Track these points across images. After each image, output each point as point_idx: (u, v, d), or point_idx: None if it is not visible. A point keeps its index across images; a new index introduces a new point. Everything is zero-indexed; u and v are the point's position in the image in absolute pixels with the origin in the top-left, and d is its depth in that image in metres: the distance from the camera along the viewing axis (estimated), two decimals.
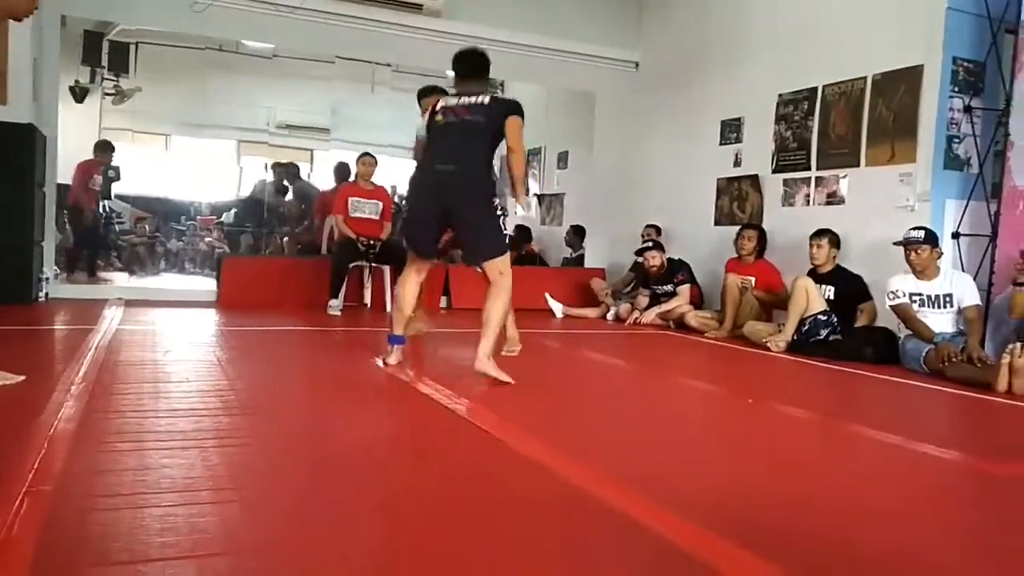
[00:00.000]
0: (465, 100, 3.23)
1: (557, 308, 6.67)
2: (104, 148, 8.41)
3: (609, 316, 6.60)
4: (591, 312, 6.74)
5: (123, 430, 2.19)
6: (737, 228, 5.97)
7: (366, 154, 6.54)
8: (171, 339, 4.26)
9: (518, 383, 3.06)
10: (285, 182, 10.01)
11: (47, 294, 5.64)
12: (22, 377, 2.71)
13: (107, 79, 10.76)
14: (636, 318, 6.24)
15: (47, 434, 2.09)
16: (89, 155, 8.83)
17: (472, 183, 3.14)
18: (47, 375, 2.98)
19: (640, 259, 6.44)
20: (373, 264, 6.28)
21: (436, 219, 3.21)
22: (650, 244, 6.41)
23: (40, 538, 1.40)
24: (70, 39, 8.82)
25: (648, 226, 7.02)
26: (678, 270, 6.24)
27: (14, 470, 1.75)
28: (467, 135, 3.18)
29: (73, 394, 2.60)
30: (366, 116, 11.89)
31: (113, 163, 10.78)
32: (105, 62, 10.53)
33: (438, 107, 3.28)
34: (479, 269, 3.22)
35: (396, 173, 12.25)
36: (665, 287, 6.25)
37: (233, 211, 11.01)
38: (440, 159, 3.17)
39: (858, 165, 5.33)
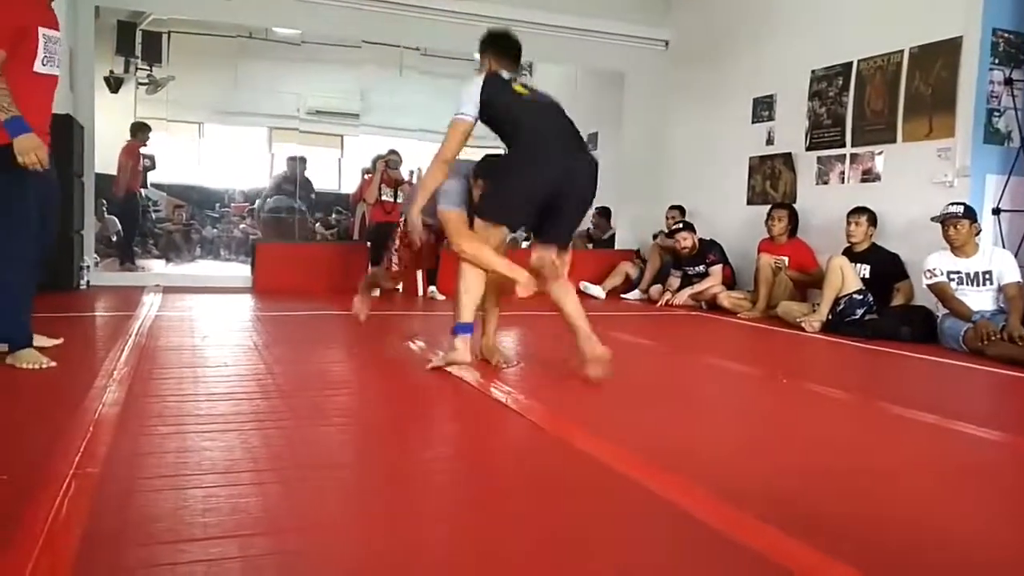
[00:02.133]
0: (523, 81, 3.12)
1: (597, 291, 6.67)
2: (141, 128, 8.56)
3: (632, 296, 6.57)
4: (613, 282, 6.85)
5: (164, 414, 2.24)
6: (769, 208, 5.90)
7: (392, 153, 6.65)
8: (208, 325, 4.34)
9: (552, 369, 3.07)
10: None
11: (88, 282, 5.76)
12: (59, 340, 2.80)
13: (141, 69, 10.91)
14: (668, 299, 6.21)
15: (92, 418, 2.15)
16: (147, 143, 9.03)
17: (595, 172, 3.02)
18: (91, 360, 3.05)
19: (670, 241, 6.41)
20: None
21: (545, 200, 2.94)
22: (681, 225, 6.37)
23: (88, 519, 1.44)
24: (104, 30, 8.95)
25: (672, 207, 6.97)
26: (709, 250, 6.20)
27: (62, 453, 1.81)
28: (561, 115, 3.05)
29: (116, 379, 2.66)
30: (395, 100, 11.90)
31: (148, 152, 10.96)
32: (139, 52, 10.68)
33: (505, 77, 3.07)
34: (550, 253, 3.04)
35: (426, 157, 12.32)
36: (697, 268, 6.21)
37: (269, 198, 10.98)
38: (561, 144, 2.97)
39: (895, 141, 5.23)
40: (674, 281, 6.34)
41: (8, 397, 2.45)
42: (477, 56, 3.28)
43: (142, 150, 8.68)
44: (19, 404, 2.37)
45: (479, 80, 2.99)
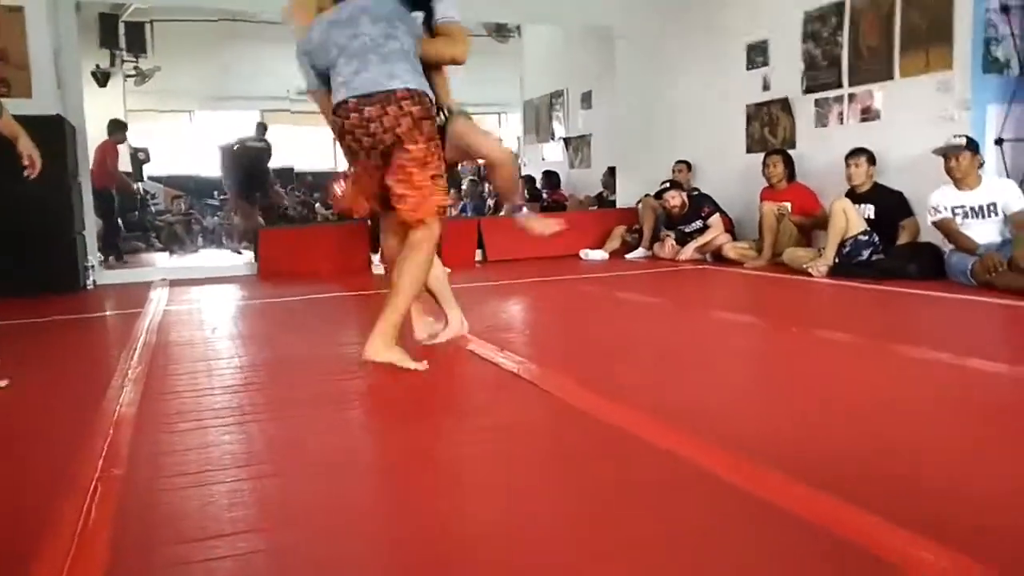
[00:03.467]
0: None
1: (598, 255, 6.65)
2: (118, 127, 8.49)
3: (635, 255, 6.55)
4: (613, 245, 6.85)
5: (182, 410, 2.26)
6: (764, 155, 5.86)
7: None
8: (217, 316, 4.35)
9: (564, 331, 3.07)
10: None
11: (94, 281, 5.78)
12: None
13: (127, 61, 10.84)
14: (676, 251, 6.17)
15: (111, 419, 2.17)
16: (125, 139, 8.98)
17: None
18: (105, 361, 3.08)
19: (658, 201, 6.38)
20: None
21: None
22: (667, 185, 6.32)
23: (116, 521, 1.46)
24: (86, 24, 8.88)
25: (678, 162, 6.93)
26: (702, 203, 6.15)
27: (85, 457, 1.83)
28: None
29: (131, 378, 2.68)
30: None
31: (141, 144, 10.90)
32: (123, 44, 10.59)
33: None
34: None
35: None
36: (693, 224, 6.16)
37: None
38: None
39: (892, 77, 5.16)
40: (667, 241, 6.31)
41: (28, 403, 2.47)
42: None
43: (120, 147, 8.62)
44: (39, 410, 2.39)
45: None
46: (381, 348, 2.51)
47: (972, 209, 4.30)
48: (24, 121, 4.91)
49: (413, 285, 2.60)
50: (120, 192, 8.62)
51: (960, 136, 4.35)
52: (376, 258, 6.13)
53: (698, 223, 6.14)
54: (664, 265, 6.02)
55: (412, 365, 2.53)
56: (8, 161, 5.02)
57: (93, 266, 5.83)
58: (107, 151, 8.13)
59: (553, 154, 10.11)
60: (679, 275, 5.51)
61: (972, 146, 4.32)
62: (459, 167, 11.51)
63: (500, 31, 10.99)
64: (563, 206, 8.65)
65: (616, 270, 5.83)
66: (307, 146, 12.92)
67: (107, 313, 4.69)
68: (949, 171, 4.34)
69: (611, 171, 8.32)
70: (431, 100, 2.62)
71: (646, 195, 6.81)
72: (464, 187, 10.53)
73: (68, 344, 3.69)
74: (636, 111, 7.68)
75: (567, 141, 9.74)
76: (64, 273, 5.31)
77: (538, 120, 10.48)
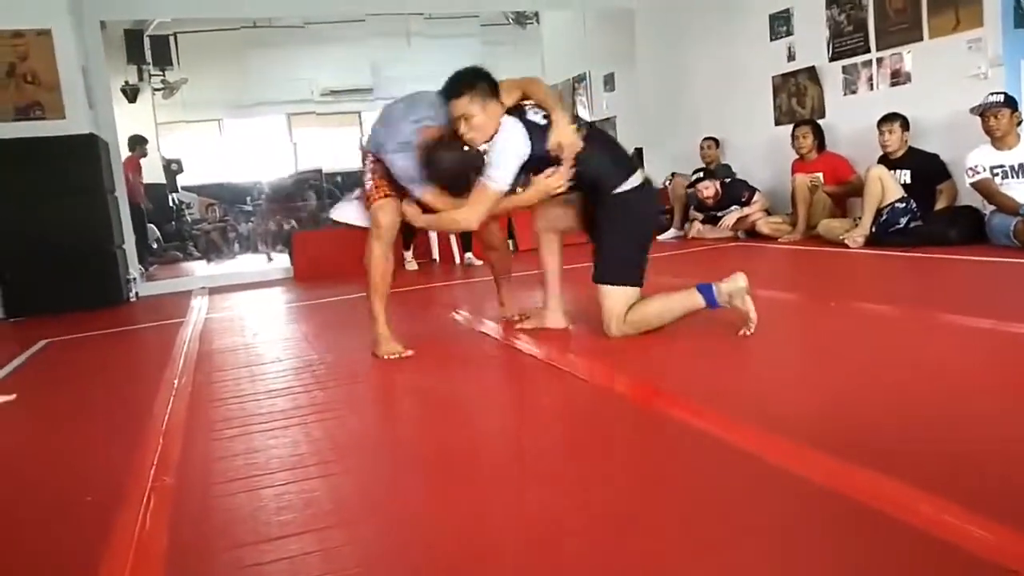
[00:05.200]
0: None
1: None
2: (139, 142, 8.67)
3: (668, 235, 6.48)
4: None
5: (228, 416, 2.30)
6: (792, 127, 5.77)
7: None
8: (257, 321, 4.43)
9: (591, 318, 3.05)
10: None
11: (137, 293, 5.91)
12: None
13: (154, 75, 11.01)
14: (706, 229, 6.14)
15: (161, 429, 2.23)
16: (147, 153, 9.11)
17: None
18: (151, 372, 3.15)
19: (690, 190, 6.32)
20: None
21: None
22: (701, 175, 6.25)
23: (171, 530, 1.51)
24: (112, 41, 9.03)
25: (706, 139, 6.84)
26: (740, 190, 6.05)
27: (137, 467, 1.88)
28: None
29: (177, 388, 2.75)
30: (407, 69, 11.82)
31: (173, 156, 11.08)
32: (149, 58, 10.77)
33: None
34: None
35: None
36: (729, 210, 6.07)
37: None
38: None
39: (921, 39, 5.03)
40: (695, 224, 6.27)
41: (79, 416, 2.54)
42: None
43: (142, 160, 8.78)
44: (90, 423, 2.46)
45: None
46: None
47: (1011, 169, 4.19)
48: (59, 141, 5.06)
49: None
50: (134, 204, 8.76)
51: (998, 93, 4.24)
52: (408, 255, 6.18)
53: (734, 208, 6.04)
54: (696, 245, 5.97)
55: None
56: (47, 181, 5.15)
57: (135, 278, 5.95)
58: (132, 166, 8.29)
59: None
60: (713, 253, 5.45)
61: (1011, 103, 4.21)
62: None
63: (519, 18, 10.94)
64: None
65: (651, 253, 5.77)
66: (334, 147, 13.02)
67: (151, 324, 4.79)
68: (988, 130, 4.24)
69: (638, 152, 8.24)
70: None
71: (673, 173, 6.74)
72: None
73: (116, 356, 3.79)
74: (660, 90, 7.61)
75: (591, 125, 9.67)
76: (108, 287, 5.43)
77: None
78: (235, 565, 1.33)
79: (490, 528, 1.41)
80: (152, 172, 9.38)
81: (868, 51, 5.44)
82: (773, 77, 6.31)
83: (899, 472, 1.41)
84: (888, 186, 4.72)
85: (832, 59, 5.75)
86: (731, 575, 1.16)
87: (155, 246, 9.27)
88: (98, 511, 1.63)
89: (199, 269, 8.64)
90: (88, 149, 5.28)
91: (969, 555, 1.13)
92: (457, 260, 6.43)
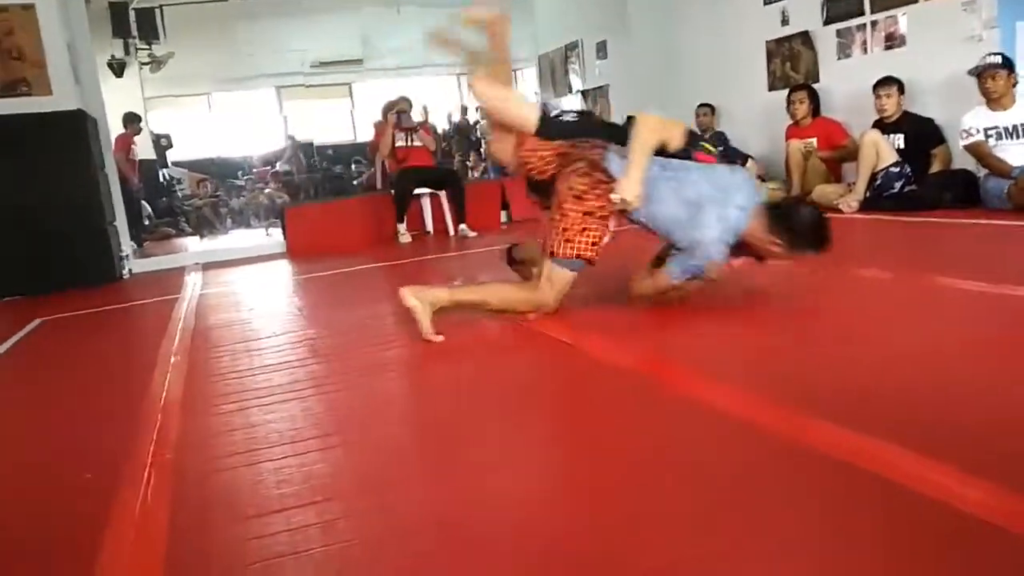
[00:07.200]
0: None
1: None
2: (133, 119, 8.55)
3: None
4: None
5: (226, 391, 2.30)
6: (788, 92, 5.73)
7: (402, 100, 6.56)
8: (252, 297, 4.42)
9: (601, 301, 3.05)
10: None
11: (130, 270, 5.88)
12: None
13: (140, 49, 10.86)
14: None
15: (159, 405, 2.23)
16: (140, 131, 9.00)
17: None
18: (148, 348, 3.15)
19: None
20: (431, 191, 6.45)
21: None
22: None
23: (172, 506, 1.51)
24: (97, 15, 8.88)
25: (700, 105, 6.80)
26: (733, 158, 5.98)
27: (137, 443, 1.89)
28: None
29: (174, 364, 2.74)
30: (397, 39, 11.70)
31: (163, 131, 10.98)
32: (135, 31, 10.60)
33: None
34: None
35: (435, 93, 12.15)
36: None
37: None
38: None
39: (916, 1, 4.99)
40: None
41: (76, 394, 2.54)
42: None
43: (136, 138, 8.66)
44: (88, 400, 2.46)
45: None
46: (410, 296, 2.59)
47: (1006, 130, 4.19)
48: (46, 118, 4.99)
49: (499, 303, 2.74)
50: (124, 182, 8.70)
51: (995, 55, 4.22)
52: (402, 227, 6.16)
53: None
54: None
55: (427, 330, 2.56)
56: (35, 159, 5.09)
57: (128, 255, 5.92)
58: (123, 145, 8.20)
59: (571, 108, 9.97)
60: None
61: (1008, 64, 4.19)
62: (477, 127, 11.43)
63: None
64: None
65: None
66: (325, 120, 12.91)
67: (146, 301, 4.77)
68: (986, 92, 4.23)
69: (630, 120, 8.18)
70: None
71: None
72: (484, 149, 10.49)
73: (112, 334, 3.78)
74: (653, 57, 7.54)
75: (584, 94, 9.60)
76: (101, 264, 5.40)
77: (554, 74, 10.33)
78: (236, 538, 1.34)
79: (490, 500, 1.41)
80: (142, 148, 9.27)
81: (862, 14, 5.39)
82: (767, 42, 6.26)
83: (901, 441, 1.42)
84: (883, 150, 4.71)
85: (826, 23, 5.70)
86: (752, 552, 1.17)
87: (147, 222, 9.21)
88: (98, 488, 1.64)
89: (192, 245, 8.60)
90: (76, 125, 5.22)
91: (980, 521, 1.14)
92: (451, 232, 6.41)
